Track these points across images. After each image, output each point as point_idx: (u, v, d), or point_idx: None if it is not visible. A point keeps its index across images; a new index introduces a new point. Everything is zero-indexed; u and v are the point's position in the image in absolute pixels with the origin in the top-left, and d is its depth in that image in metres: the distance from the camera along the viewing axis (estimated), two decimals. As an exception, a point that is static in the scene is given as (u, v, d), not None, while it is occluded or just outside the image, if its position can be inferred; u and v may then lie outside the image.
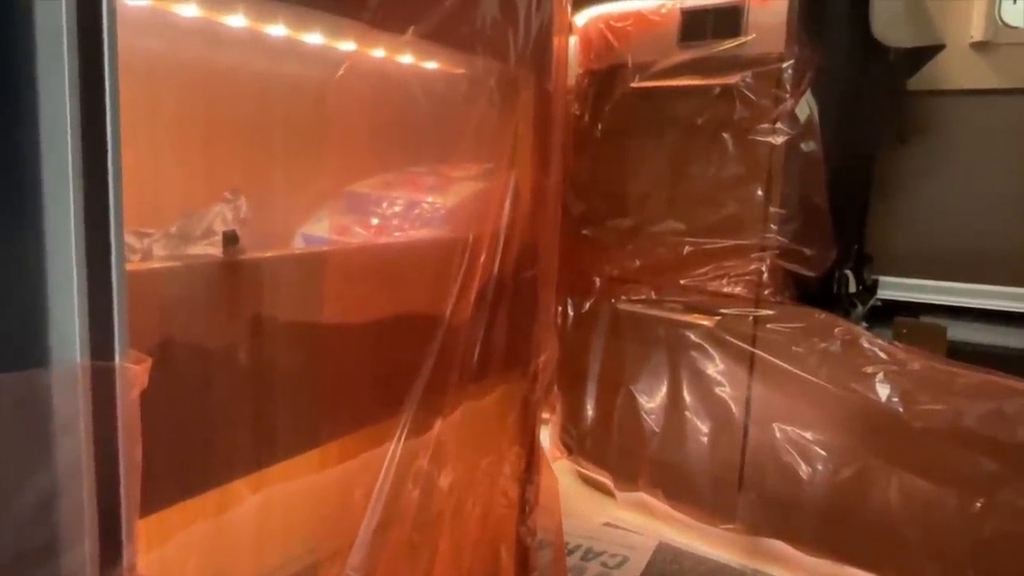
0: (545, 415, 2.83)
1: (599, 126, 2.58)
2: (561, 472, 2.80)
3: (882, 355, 2.03)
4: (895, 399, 1.98)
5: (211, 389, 0.80)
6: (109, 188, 0.56)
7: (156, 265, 0.79)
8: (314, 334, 0.93)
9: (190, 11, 0.93)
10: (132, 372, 0.57)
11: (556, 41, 1.35)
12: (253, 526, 0.92)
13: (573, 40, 2.76)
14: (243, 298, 0.82)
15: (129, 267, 0.65)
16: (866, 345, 2.06)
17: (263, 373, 0.85)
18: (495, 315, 1.22)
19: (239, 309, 0.82)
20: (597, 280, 2.61)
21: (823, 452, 2.12)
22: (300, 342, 0.91)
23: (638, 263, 2.48)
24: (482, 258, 1.15)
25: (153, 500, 0.75)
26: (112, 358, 0.56)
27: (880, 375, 2.01)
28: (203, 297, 0.78)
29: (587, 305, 2.65)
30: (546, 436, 2.85)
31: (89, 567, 0.55)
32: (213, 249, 0.83)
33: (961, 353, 2.28)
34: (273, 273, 0.86)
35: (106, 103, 0.56)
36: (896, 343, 2.07)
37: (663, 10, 2.39)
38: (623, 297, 2.53)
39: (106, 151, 0.56)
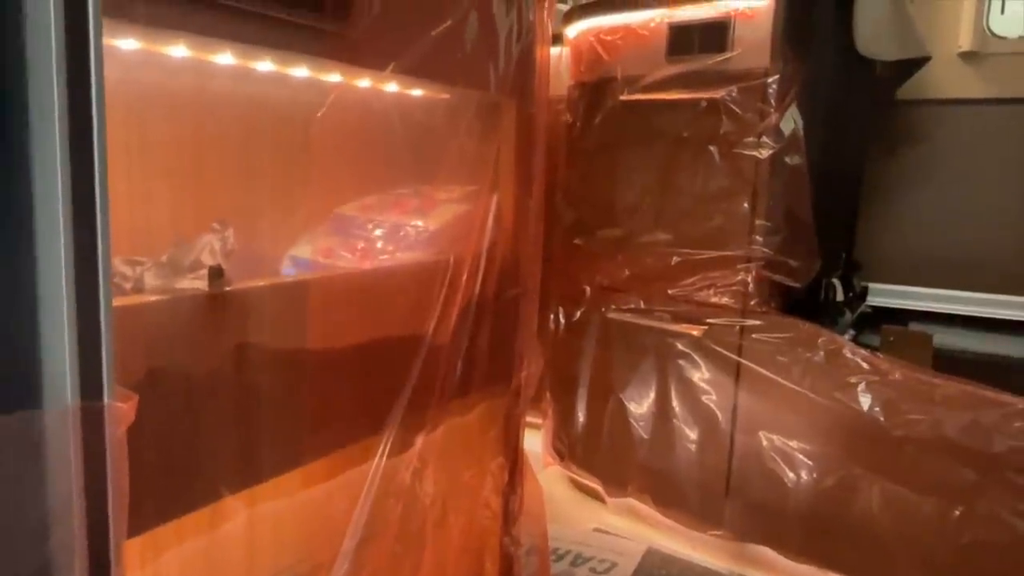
0: (537, 421, 2.87)
1: (589, 137, 2.62)
2: (553, 478, 2.84)
3: (864, 365, 2.07)
4: (877, 409, 2.02)
5: (198, 416, 0.84)
6: (97, 233, 0.60)
7: (145, 300, 0.83)
8: (298, 359, 0.97)
9: (180, 51, 0.97)
10: (120, 410, 0.61)
11: (539, 62, 1.39)
12: (239, 544, 0.96)
13: (564, 50, 2.80)
14: (229, 328, 0.86)
15: (119, 302, 0.69)
16: (849, 355, 2.10)
17: (249, 399, 0.89)
18: (477, 333, 1.26)
19: (225, 339, 0.86)
20: (587, 289, 2.65)
21: (808, 460, 2.16)
22: (285, 367, 0.95)
23: (627, 273, 2.52)
24: (464, 278, 1.19)
25: (144, 519, 0.79)
26: (101, 396, 0.60)
27: (862, 385, 2.05)
28: (190, 329, 0.82)
29: (578, 314, 2.69)
30: (538, 442, 2.89)
31: (79, 589, 0.60)
32: (200, 283, 0.87)
33: (948, 360, 2.32)
34: (258, 302, 0.90)
35: (94, 155, 0.60)
36: (878, 353, 2.11)
37: (652, 24, 2.43)
38: (613, 306, 2.56)
39: (94, 200, 0.60)
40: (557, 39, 2.82)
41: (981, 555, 1.89)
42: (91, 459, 0.60)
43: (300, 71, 1.11)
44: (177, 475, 0.83)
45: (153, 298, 0.82)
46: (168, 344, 0.79)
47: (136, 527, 0.78)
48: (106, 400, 0.60)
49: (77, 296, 0.59)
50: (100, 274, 0.60)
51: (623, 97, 2.49)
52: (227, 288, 0.85)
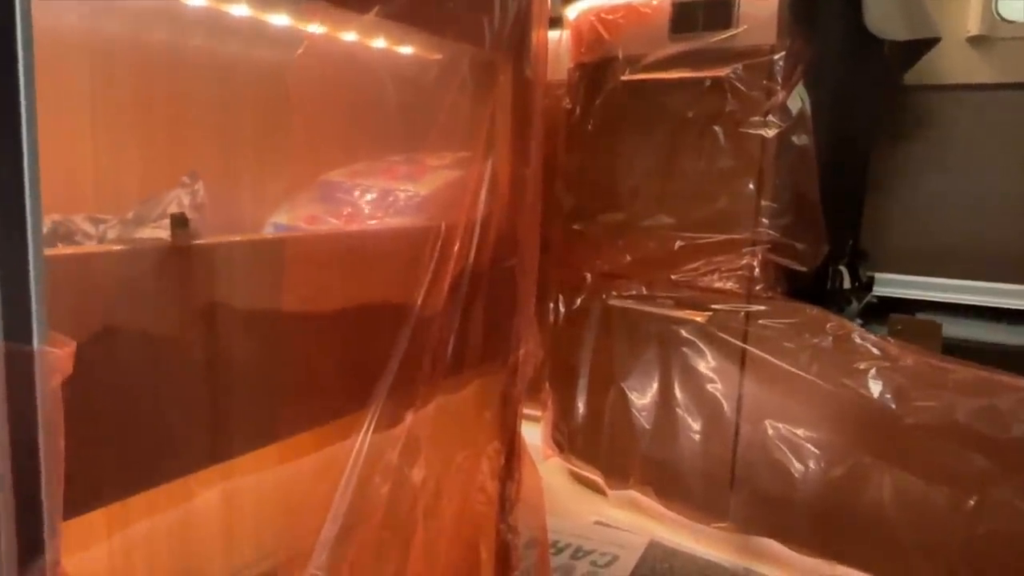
0: (536, 412, 2.80)
1: (590, 120, 2.55)
2: (552, 470, 2.77)
3: (874, 351, 2.00)
4: (887, 395, 1.95)
5: (158, 377, 0.76)
6: (24, 164, 0.52)
7: (98, 249, 0.75)
8: (272, 323, 0.90)
9: (146, -11, 0.90)
10: (53, 356, 0.54)
11: (537, 29, 1.32)
12: (210, 524, 0.89)
13: (564, 33, 2.73)
14: (194, 284, 0.79)
15: (70, 251, 0.62)
16: (858, 341, 2.03)
17: (215, 363, 0.82)
18: (471, 306, 1.19)
19: (190, 295, 0.79)
20: (588, 275, 2.59)
21: (815, 449, 2.09)
22: (257, 331, 0.88)
23: (629, 258, 2.46)
24: (456, 247, 1.12)
25: (97, 494, 0.72)
26: (30, 341, 0.53)
27: (872, 371, 1.98)
28: (148, 282, 0.74)
29: (578, 301, 2.62)
30: (537, 434, 2.82)
31: (5, 565, 0.52)
32: (162, 232, 0.80)
33: (956, 350, 2.25)
34: (228, 259, 0.83)
35: (19, 80, 0.52)
36: (888, 339, 2.04)
37: (654, 2, 2.36)
38: (614, 293, 2.50)
39: (20, 128, 0.52)
40: (557, 22, 2.76)
41: (996, 546, 1.83)
42: (18, 414, 0.53)
43: (280, 18, 1.04)
44: (136, 445, 0.76)
45: (108, 248, 0.74)
46: (126, 299, 0.72)
47: (89, 503, 0.71)
48: (36, 345, 0.53)
49: (1, 235, 0.51)
50: (28, 210, 0.53)
51: (625, 77, 2.42)
52: (195, 242, 0.78)
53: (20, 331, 0.53)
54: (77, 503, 0.61)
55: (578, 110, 2.59)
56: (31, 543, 0.54)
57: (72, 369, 0.56)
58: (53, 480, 0.55)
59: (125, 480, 0.75)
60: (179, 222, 0.75)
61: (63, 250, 0.68)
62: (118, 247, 0.75)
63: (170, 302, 0.77)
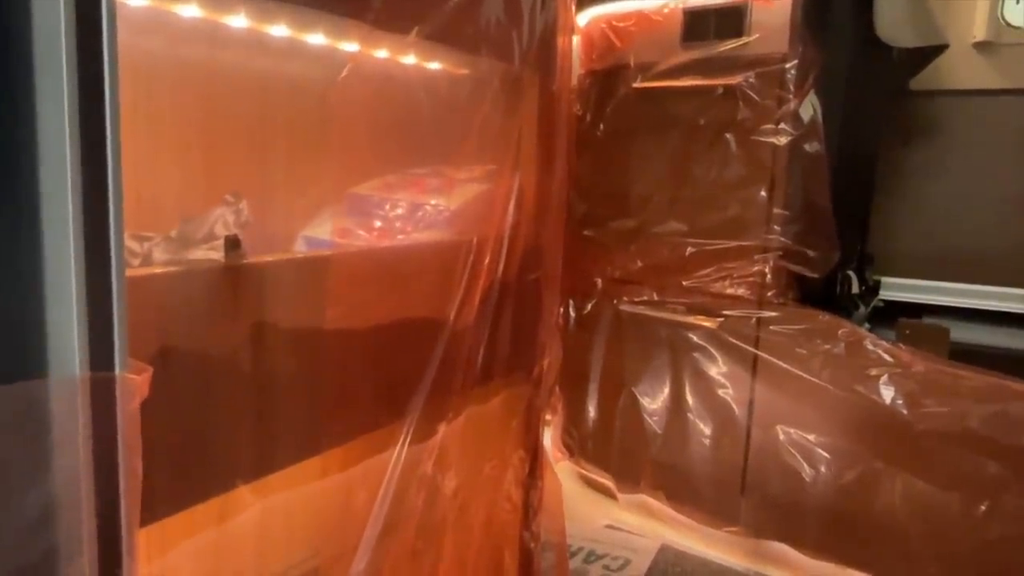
0: (547, 416, 2.82)
1: (601, 126, 2.57)
2: (563, 474, 2.78)
3: (886, 357, 2.02)
4: (899, 401, 1.97)
5: (213, 395, 0.78)
6: (109, 195, 0.55)
7: (157, 270, 0.77)
8: (317, 339, 0.92)
9: (191, 11, 0.92)
10: (132, 382, 0.56)
11: (560, 42, 1.34)
12: (256, 532, 0.91)
13: (575, 40, 2.75)
14: (245, 303, 0.81)
15: (130, 273, 0.64)
16: (870, 347, 2.05)
17: (265, 378, 0.84)
18: (499, 319, 1.20)
19: (241, 314, 0.81)
20: (599, 281, 2.60)
21: (826, 454, 2.11)
22: (302, 347, 0.90)
23: (640, 264, 2.47)
24: (486, 261, 1.14)
25: (155, 507, 0.74)
26: (112, 368, 0.55)
27: (884, 377, 2.00)
28: (205, 302, 0.76)
29: (589, 306, 2.64)
30: (548, 438, 2.84)
31: (88, 578, 0.54)
32: (215, 254, 0.82)
33: (964, 354, 2.27)
34: (275, 277, 0.85)
35: (106, 112, 0.55)
36: (900, 345, 2.06)
37: (665, 10, 2.38)
38: (625, 298, 2.51)
39: (106, 160, 0.55)
40: (567, 27, 2.76)
41: (1007, 551, 1.85)
42: (101, 436, 0.55)
43: (316, 38, 1.06)
44: (190, 461, 0.78)
45: (167, 269, 0.76)
46: (182, 318, 0.74)
47: (145, 517, 0.73)
48: (117, 371, 0.55)
49: (87, 262, 0.54)
50: (112, 240, 0.55)
51: (636, 84, 2.44)
52: (244, 261, 0.80)
53: (103, 358, 0.55)
54: (144, 516, 0.63)
55: (589, 116, 2.61)
56: (111, 557, 0.56)
57: (148, 392, 0.58)
58: (131, 497, 0.57)
59: (179, 494, 0.77)
60: (232, 244, 0.78)
61: (131, 272, 0.70)
62: (176, 268, 0.77)
63: (224, 319, 0.79)
